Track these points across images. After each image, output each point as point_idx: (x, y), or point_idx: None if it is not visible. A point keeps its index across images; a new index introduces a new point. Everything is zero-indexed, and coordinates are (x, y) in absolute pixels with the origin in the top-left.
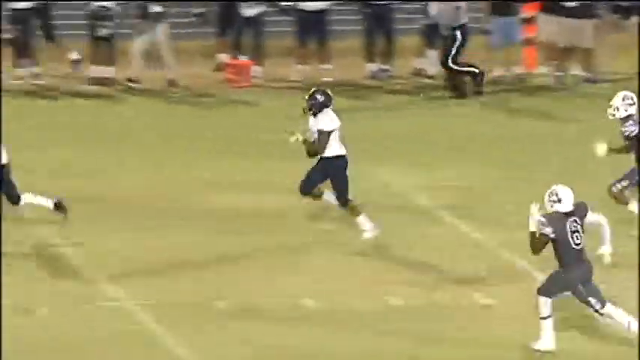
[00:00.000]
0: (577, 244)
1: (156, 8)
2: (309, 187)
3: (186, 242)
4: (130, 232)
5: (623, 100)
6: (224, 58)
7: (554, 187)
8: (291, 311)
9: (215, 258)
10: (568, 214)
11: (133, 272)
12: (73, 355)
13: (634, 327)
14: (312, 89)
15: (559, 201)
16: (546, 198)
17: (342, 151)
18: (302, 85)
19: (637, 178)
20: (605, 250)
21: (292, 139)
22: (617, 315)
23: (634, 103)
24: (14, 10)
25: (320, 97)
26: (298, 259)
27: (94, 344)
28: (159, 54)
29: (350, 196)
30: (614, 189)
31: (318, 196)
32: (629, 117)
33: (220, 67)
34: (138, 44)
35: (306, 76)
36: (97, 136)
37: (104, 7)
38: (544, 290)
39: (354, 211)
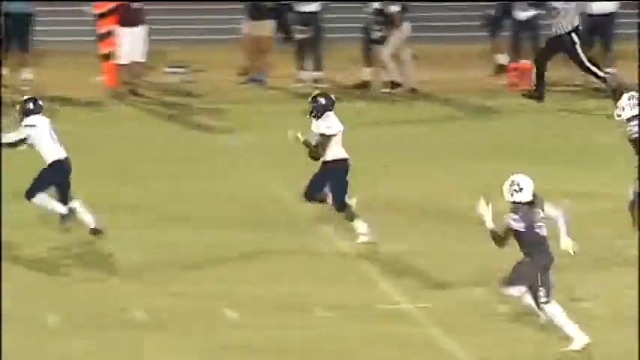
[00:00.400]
0: (542, 234)
1: (396, 8)
2: (311, 193)
3: (463, 246)
4: (410, 234)
5: (629, 99)
6: (501, 59)
7: (514, 177)
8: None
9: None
10: (530, 205)
11: (409, 275)
12: (351, 356)
13: (576, 344)
14: (315, 92)
15: (520, 190)
16: (506, 188)
17: (343, 155)
18: (581, 89)
19: None
20: (566, 243)
21: (290, 136)
22: (560, 319)
23: None
24: (301, 13)
25: (322, 101)
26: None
27: (372, 346)
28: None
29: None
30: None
31: (324, 200)
32: (634, 117)
33: (499, 71)
34: (387, 49)
35: (588, 79)
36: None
37: (378, 9)
38: (508, 282)
39: (350, 216)
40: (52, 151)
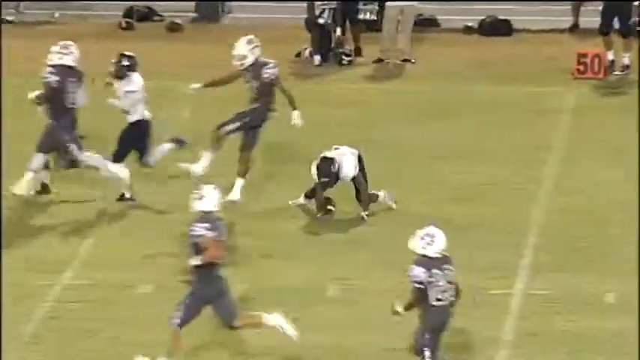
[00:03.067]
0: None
1: None
2: (120, 155)
3: None
4: None
5: (248, 44)
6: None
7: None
8: None
9: None
10: None
11: None
12: None
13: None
14: (119, 54)
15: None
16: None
17: (145, 116)
18: None
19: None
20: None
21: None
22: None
23: (259, 45)
24: None
25: (126, 62)
26: None
27: None
28: None
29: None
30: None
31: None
32: (259, 60)
33: None
34: None
35: None
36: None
37: None
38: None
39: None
40: None
